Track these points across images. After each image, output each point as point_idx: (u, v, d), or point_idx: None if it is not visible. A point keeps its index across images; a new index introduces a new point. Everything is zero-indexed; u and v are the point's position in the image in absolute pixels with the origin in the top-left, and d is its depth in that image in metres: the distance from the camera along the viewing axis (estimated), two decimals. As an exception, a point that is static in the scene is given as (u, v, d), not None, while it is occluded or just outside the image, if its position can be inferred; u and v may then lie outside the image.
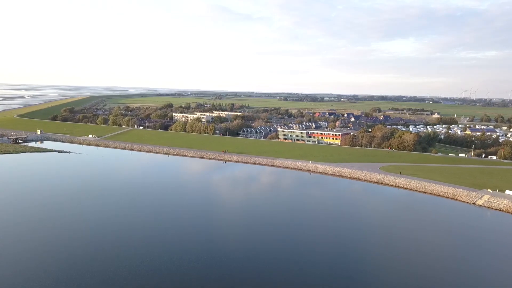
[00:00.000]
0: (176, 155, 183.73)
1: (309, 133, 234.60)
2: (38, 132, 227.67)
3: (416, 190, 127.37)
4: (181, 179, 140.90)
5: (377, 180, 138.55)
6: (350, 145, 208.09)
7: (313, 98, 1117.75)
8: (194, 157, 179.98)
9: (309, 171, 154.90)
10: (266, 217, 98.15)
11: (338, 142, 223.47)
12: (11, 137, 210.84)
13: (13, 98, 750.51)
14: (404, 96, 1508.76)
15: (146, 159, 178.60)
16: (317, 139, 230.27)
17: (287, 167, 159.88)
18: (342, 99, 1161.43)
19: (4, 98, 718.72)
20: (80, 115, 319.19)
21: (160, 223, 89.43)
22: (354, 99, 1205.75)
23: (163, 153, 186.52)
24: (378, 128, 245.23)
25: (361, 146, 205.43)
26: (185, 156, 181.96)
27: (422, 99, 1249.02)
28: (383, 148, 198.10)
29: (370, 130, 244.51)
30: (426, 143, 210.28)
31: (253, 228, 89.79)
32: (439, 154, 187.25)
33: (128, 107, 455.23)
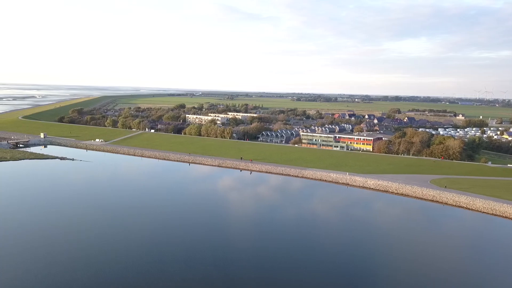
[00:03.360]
0: (192, 162, 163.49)
1: (337, 137, 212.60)
2: (42, 135, 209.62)
3: (483, 212, 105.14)
4: (199, 192, 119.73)
5: (431, 197, 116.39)
6: (386, 152, 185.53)
7: (327, 98, 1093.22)
8: (212, 165, 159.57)
9: (347, 184, 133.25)
10: (305, 247, 77.05)
11: (369, 148, 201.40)
12: (11, 141, 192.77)
13: (23, 98, 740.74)
14: (418, 97, 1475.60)
15: (159, 168, 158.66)
16: (346, 145, 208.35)
17: (320, 179, 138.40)
18: (356, 100, 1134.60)
19: (15, 98, 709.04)
20: (88, 117, 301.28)
21: (181, 245, 69.28)
22: (367, 99, 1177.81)
23: (177, 161, 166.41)
24: (414, 132, 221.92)
25: (398, 154, 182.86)
26: (202, 164, 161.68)
27: (437, 100, 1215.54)
28: (423, 156, 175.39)
29: (404, 134, 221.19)
30: (471, 150, 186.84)
31: (295, 260, 68.95)
32: (490, 163, 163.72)
33: (139, 107, 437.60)
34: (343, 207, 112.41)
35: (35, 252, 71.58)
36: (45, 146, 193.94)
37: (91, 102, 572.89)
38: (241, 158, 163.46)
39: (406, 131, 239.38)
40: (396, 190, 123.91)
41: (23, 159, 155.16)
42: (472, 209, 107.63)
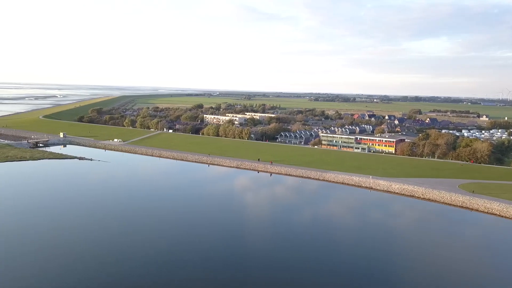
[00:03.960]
0: (210, 163, 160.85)
1: (358, 139, 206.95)
2: (61, 135, 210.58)
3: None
4: (217, 194, 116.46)
5: (461, 203, 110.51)
6: (409, 155, 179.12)
7: (345, 99, 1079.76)
8: (230, 166, 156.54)
9: (370, 188, 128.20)
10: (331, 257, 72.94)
11: (392, 150, 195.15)
12: (31, 140, 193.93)
13: (45, 97, 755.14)
14: (438, 97, 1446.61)
15: (176, 169, 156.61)
16: (367, 146, 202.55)
17: (342, 183, 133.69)
18: (375, 100, 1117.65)
19: (36, 98, 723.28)
20: (107, 116, 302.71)
21: (197, 246, 66.21)
22: (386, 99, 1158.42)
23: (195, 161, 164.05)
24: (438, 134, 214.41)
25: (422, 156, 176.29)
26: (220, 165, 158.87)
27: (458, 100, 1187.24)
28: (449, 159, 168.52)
29: (427, 136, 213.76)
30: (499, 153, 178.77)
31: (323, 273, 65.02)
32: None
33: (157, 107, 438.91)
34: (366, 212, 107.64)
35: (52, 251, 69.81)
36: (64, 146, 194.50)
37: (110, 101, 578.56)
38: (259, 159, 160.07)
39: (429, 132, 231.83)
40: (422, 195, 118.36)
41: (42, 159, 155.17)
42: (506, 217, 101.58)
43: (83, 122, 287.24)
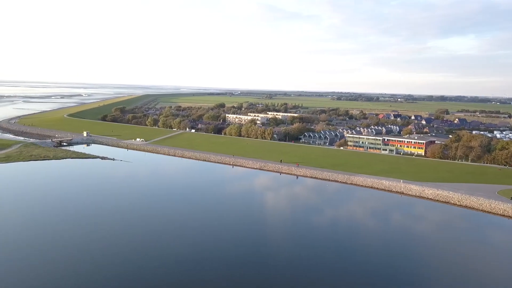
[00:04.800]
0: (233, 164, 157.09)
1: (386, 140, 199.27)
2: (85, 134, 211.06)
3: None
4: (239, 197, 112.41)
5: (502, 211, 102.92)
6: (440, 157, 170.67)
7: (368, 98, 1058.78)
8: (253, 168, 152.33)
9: (401, 193, 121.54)
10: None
11: (421, 152, 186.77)
12: (55, 139, 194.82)
13: (70, 96, 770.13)
14: (464, 96, 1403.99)
15: (199, 170, 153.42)
16: (395, 148, 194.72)
17: (371, 187, 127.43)
18: (399, 99, 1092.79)
19: (62, 96, 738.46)
20: (129, 115, 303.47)
21: (217, 246, 62.31)
22: (410, 99, 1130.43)
23: (218, 162, 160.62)
24: (471, 136, 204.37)
25: (454, 159, 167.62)
26: (242, 166, 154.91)
27: (486, 100, 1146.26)
28: (485, 162, 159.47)
29: (459, 137, 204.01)
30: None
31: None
32: None
33: (180, 106, 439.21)
34: (398, 218, 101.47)
35: (72, 251, 67.46)
36: (87, 145, 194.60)
37: (133, 100, 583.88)
38: (281, 160, 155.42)
39: (460, 134, 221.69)
40: (458, 201, 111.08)
41: (65, 158, 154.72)
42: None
43: (106, 121, 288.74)
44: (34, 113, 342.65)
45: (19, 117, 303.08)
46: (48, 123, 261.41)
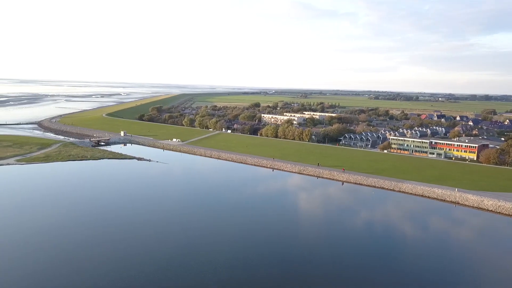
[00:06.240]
0: (270, 167, 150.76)
1: (433, 143, 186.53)
2: (122, 133, 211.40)
3: None
4: (281, 203, 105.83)
5: None
6: (496, 163, 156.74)
7: (407, 97, 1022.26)
8: (292, 171, 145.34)
9: (456, 203, 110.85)
10: None
11: (473, 156, 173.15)
12: (93, 139, 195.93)
13: (110, 95, 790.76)
14: (511, 96, 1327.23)
15: (236, 172, 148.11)
16: (444, 152, 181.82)
17: (422, 195, 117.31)
18: (440, 98, 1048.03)
19: (102, 96, 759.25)
20: (166, 115, 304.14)
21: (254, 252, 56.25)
22: (452, 98, 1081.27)
23: (255, 165, 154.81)
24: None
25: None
26: (281, 170, 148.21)
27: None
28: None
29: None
30: None
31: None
32: None
33: (215, 106, 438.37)
34: (453, 233, 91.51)
35: (98, 249, 64.27)
36: (124, 145, 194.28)
37: (170, 99, 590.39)
38: (318, 164, 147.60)
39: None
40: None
41: (102, 159, 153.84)
42: None
43: (143, 120, 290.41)
44: (74, 112, 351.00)
45: (60, 116, 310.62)
46: (88, 122, 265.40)
